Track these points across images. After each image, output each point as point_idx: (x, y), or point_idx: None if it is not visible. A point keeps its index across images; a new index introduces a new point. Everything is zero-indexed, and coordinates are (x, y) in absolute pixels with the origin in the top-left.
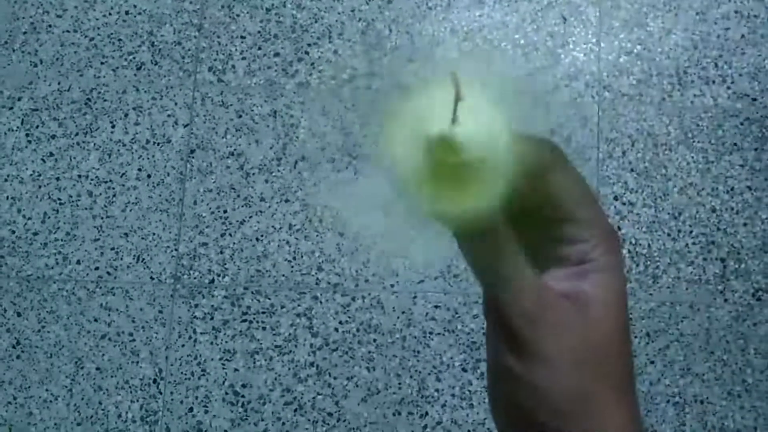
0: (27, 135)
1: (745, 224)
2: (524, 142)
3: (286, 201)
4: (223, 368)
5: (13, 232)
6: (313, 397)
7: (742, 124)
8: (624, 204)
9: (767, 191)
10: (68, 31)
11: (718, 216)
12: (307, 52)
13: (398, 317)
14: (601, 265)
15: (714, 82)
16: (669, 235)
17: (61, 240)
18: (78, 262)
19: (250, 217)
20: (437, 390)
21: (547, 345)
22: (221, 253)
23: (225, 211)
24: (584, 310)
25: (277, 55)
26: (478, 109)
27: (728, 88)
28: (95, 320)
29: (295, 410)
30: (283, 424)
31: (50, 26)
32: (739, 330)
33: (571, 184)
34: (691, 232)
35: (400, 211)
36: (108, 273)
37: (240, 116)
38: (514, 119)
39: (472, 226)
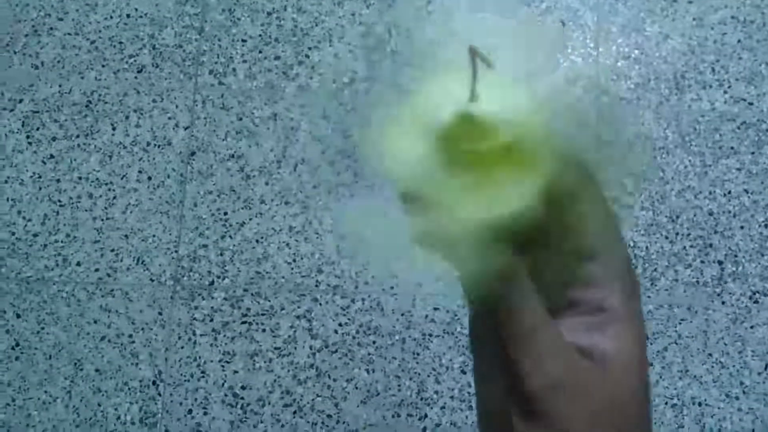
0: (27, 137)
1: (742, 227)
2: (551, 158)
3: (287, 203)
4: (223, 370)
5: (13, 233)
6: (313, 399)
7: (738, 128)
8: (622, 207)
9: (764, 194)
10: (69, 34)
11: (716, 219)
12: (307, 56)
13: (398, 319)
14: (621, 315)
15: (711, 86)
16: (667, 237)
17: (61, 242)
18: (78, 264)
19: (250, 219)
20: (436, 392)
21: (566, 411)
22: (221, 255)
23: (225, 213)
24: (604, 370)
25: (277, 58)
26: (502, 85)
27: (725, 92)
28: (95, 322)
29: (295, 412)
30: (283, 426)
31: (51, 29)
32: (737, 332)
33: (597, 217)
34: (688, 234)
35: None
36: (108, 275)
37: (240, 119)
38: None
39: (489, 268)
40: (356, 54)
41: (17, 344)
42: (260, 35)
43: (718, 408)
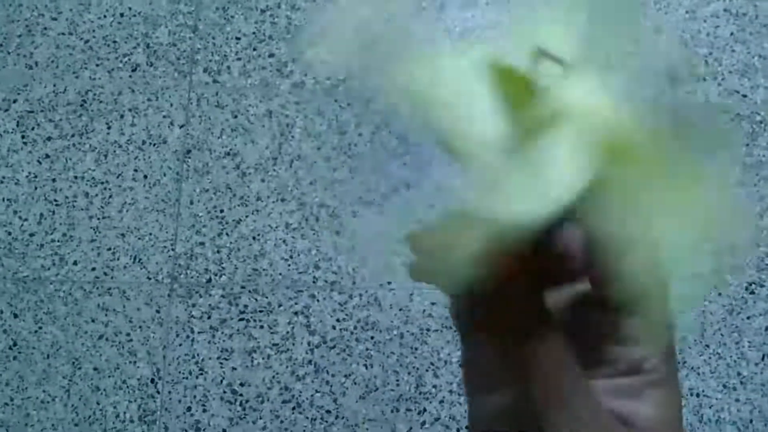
0: (22, 137)
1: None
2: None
3: (283, 200)
4: (221, 367)
5: (9, 233)
6: (311, 395)
7: (732, 120)
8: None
9: (759, 186)
10: (63, 34)
11: None
12: (303, 52)
13: (395, 314)
14: (660, 378)
15: (704, 79)
16: None
17: (58, 241)
18: (75, 263)
19: (247, 216)
20: (435, 386)
21: None
22: (218, 252)
23: (221, 211)
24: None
25: (272, 55)
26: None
27: (719, 84)
28: (92, 321)
29: (293, 408)
30: (282, 422)
31: (45, 29)
32: (734, 323)
33: (646, 264)
34: None
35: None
36: (105, 273)
37: (236, 116)
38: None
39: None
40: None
41: (15, 344)
42: (254, 33)
43: (716, 399)
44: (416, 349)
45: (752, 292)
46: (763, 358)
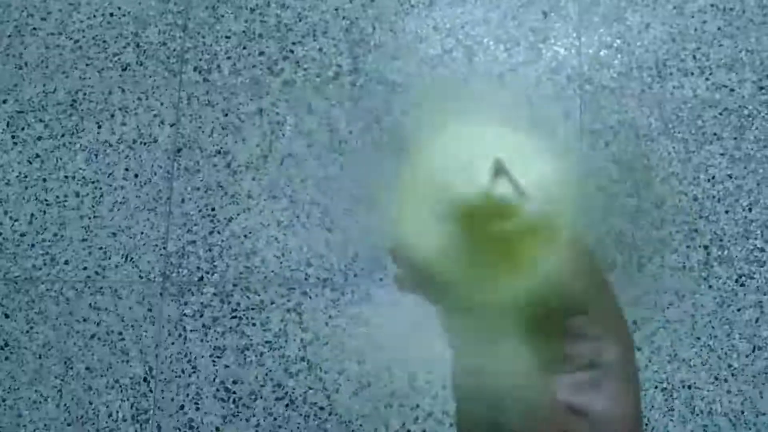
0: (13, 137)
1: (726, 212)
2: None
3: (274, 198)
4: (214, 365)
5: (0, 234)
6: (305, 392)
7: (721, 114)
8: (608, 195)
9: (747, 179)
10: (53, 34)
11: (700, 204)
12: (291, 51)
13: (388, 310)
14: (615, 372)
15: (692, 73)
16: (652, 224)
17: (49, 241)
18: (66, 263)
19: (238, 214)
20: (428, 383)
21: None
22: (210, 250)
23: (213, 209)
24: (598, 429)
25: (262, 54)
26: (525, 166)
27: (707, 79)
28: (84, 320)
29: (287, 405)
30: (275, 419)
31: (35, 29)
32: (724, 315)
33: (584, 274)
34: (674, 220)
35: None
36: (96, 273)
37: (226, 115)
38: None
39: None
40: (341, 48)
41: (6, 344)
42: (244, 31)
43: (708, 391)
44: (409, 345)
45: (742, 285)
46: (753, 350)
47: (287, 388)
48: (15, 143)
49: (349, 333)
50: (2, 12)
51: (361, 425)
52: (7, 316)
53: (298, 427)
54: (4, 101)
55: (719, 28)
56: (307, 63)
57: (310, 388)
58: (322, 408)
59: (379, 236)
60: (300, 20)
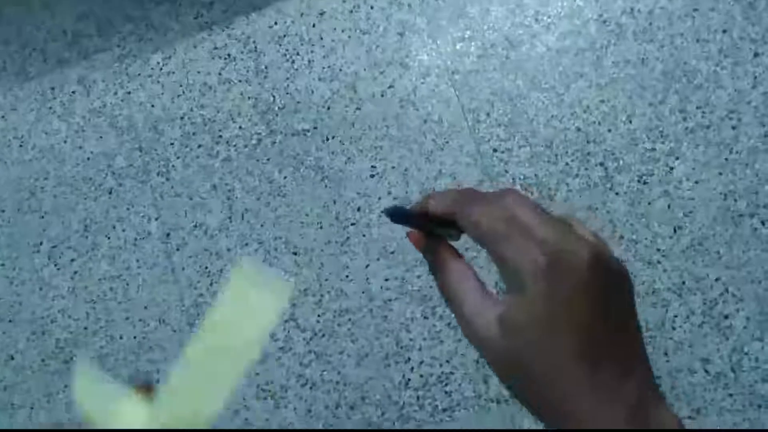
0: (55, 265)
1: (609, 130)
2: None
3: (246, 245)
4: (249, 375)
5: (71, 332)
6: (320, 375)
7: (576, 55)
8: (503, 152)
9: (618, 99)
10: (56, 185)
11: (584, 132)
12: (220, 136)
13: (360, 297)
14: (528, 294)
15: (539, 33)
16: (548, 161)
17: (104, 326)
18: (120, 338)
19: (225, 265)
20: (411, 339)
21: (483, 353)
22: (215, 294)
23: (206, 267)
24: (506, 332)
25: (200, 146)
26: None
27: (552, 33)
28: (147, 372)
29: (310, 388)
30: (306, 401)
31: (42, 187)
32: (638, 212)
33: (487, 223)
34: (566, 152)
35: None
36: (143, 337)
37: (191, 198)
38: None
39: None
40: (254, 120)
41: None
42: (182, 135)
43: (646, 276)
44: (386, 317)
45: (645, 183)
46: (675, 231)
47: (306, 375)
48: (57, 268)
49: (338, 322)
50: (20, 178)
51: (371, 386)
52: None
53: (323, 401)
54: (41, 243)
55: None
56: (234, 141)
57: (324, 371)
58: (337, 382)
59: (331, 245)
60: (218, 112)
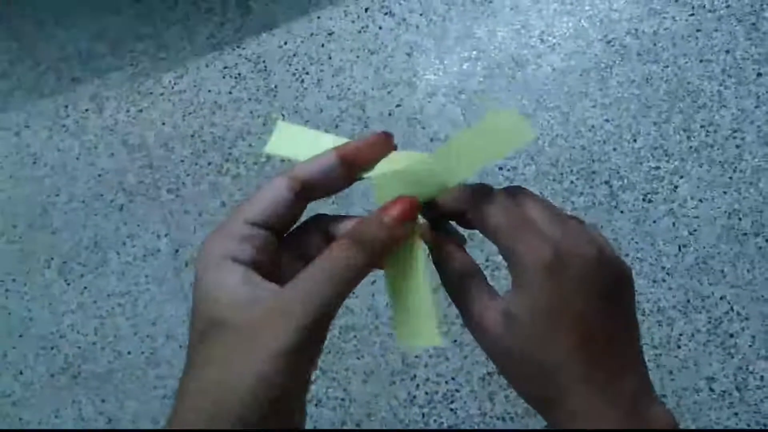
0: (65, 281)
1: (614, 149)
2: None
3: None
4: None
5: (79, 347)
6: (326, 391)
7: (581, 75)
8: (509, 170)
9: (623, 118)
10: (68, 202)
11: (589, 151)
12: (230, 153)
13: (366, 314)
14: (533, 288)
15: (544, 53)
16: (554, 179)
17: (111, 342)
18: (129, 353)
19: None
20: (416, 356)
21: (486, 347)
22: None
23: None
24: (509, 325)
25: (210, 163)
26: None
27: (558, 53)
28: (155, 387)
29: (316, 404)
30: (311, 417)
31: (54, 203)
32: (643, 230)
33: (498, 219)
34: (571, 171)
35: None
36: (151, 353)
37: (201, 214)
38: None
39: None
40: (264, 139)
41: (109, 420)
42: (192, 153)
43: (651, 293)
44: (391, 334)
45: (650, 201)
46: (679, 249)
47: (312, 392)
48: (68, 284)
49: (343, 339)
50: (34, 194)
51: (376, 403)
52: (103, 401)
53: (329, 418)
54: (52, 258)
55: (555, 10)
56: (243, 158)
57: (329, 387)
58: (343, 399)
59: None
60: (228, 130)
